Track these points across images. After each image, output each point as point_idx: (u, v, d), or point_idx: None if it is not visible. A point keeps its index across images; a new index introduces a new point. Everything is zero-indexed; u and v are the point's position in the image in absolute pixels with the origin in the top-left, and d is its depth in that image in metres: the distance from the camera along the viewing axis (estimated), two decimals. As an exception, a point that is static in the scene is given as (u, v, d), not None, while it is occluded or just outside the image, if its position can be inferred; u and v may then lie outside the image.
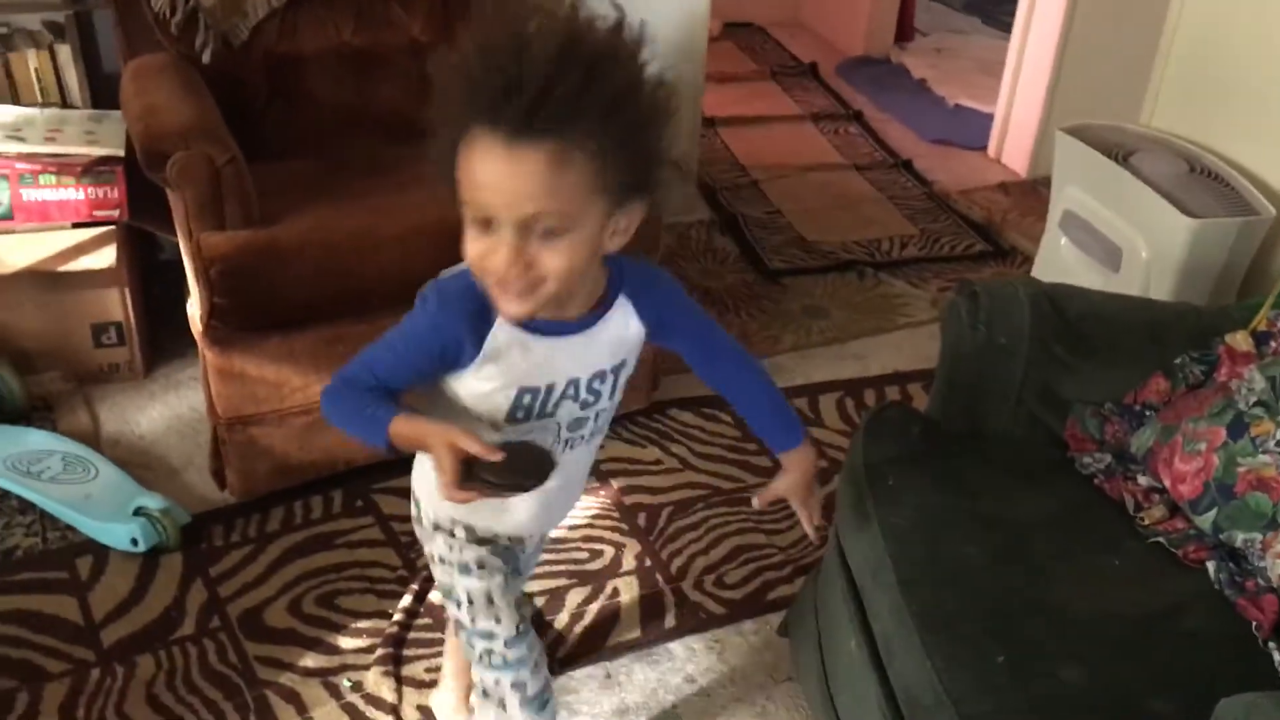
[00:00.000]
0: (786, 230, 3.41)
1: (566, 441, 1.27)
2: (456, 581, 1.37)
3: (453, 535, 1.36)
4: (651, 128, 1.06)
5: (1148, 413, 1.59)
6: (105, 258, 2.34)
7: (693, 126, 3.36)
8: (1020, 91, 3.80)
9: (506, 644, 1.37)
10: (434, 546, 1.39)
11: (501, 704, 1.39)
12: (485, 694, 1.40)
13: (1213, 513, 1.42)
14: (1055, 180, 2.38)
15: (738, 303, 3.01)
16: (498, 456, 1.09)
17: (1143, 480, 1.54)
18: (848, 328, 2.93)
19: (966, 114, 4.29)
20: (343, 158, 2.40)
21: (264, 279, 2.02)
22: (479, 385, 1.19)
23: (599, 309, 1.20)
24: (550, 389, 1.21)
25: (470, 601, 1.37)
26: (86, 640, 1.89)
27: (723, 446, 2.45)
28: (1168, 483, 1.50)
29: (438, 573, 1.41)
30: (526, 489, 1.12)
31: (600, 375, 1.23)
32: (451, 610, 1.41)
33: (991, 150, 3.98)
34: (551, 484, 1.15)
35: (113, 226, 2.38)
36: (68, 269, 2.33)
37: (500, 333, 1.16)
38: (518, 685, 1.38)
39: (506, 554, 1.39)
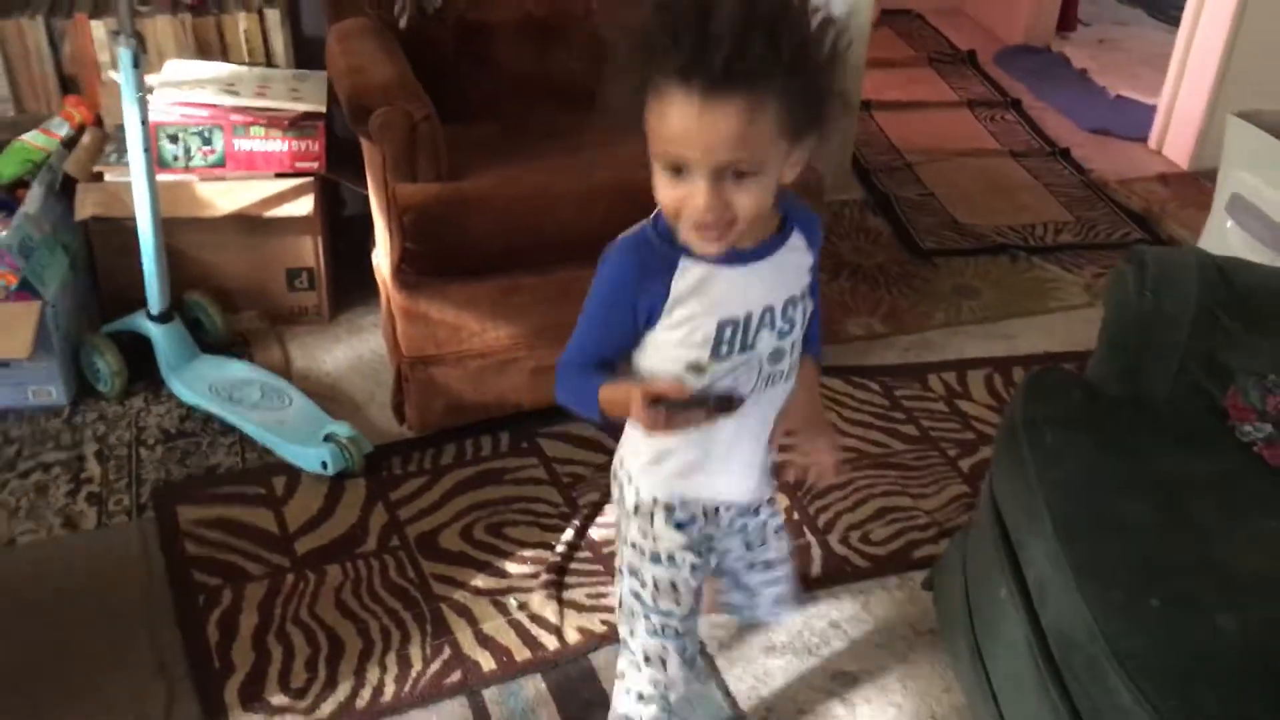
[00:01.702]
0: (940, 212, 3.44)
1: (768, 377, 1.30)
2: (645, 567, 1.43)
3: (651, 522, 1.40)
4: (827, 71, 1.11)
5: (1313, 386, 1.60)
6: (303, 206, 2.53)
7: (851, 110, 3.41)
8: (1186, 82, 3.74)
9: (681, 620, 1.45)
10: (630, 530, 1.43)
11: (662, 662, 1.48)
12: (646, 658, 1.48)
13: (1375, 480, 1.44)
14: (1224, 164, 2.38)
15: (889, 280, 3.06)
16: (684, 393, 1.18)
17: (1305, 450, 1.56)
18: (999, 308, 2.96)
19: (1127, 105, 4.23)
20: (523, 121, 2.55)
21: (451, 229, 2.17)
22: (676, 333, 1.23)
23: (778, 237, 1.26)
24: (749, 317, 1.24)
25: (656, 587, 1.43)
26: (282, 549, 2.07)
27: (870, 413, 2.51)
28: (1330, 452, 1.52)
29: (628, 555, 1.45)
30: (721, 408, 1.19)
31: (792, 301, 1.28)
32: (630, 586, 1.46)
33: (1153, 141, 3.93)
34: (750, 425, 1.28)
35: (311, 178, 2.56)
36: (270, 215, 2.52)
37: (688, 273, 1.21)
38: (680, 650, 1.47)
39: (702, 542, 1.43)
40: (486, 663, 1.88)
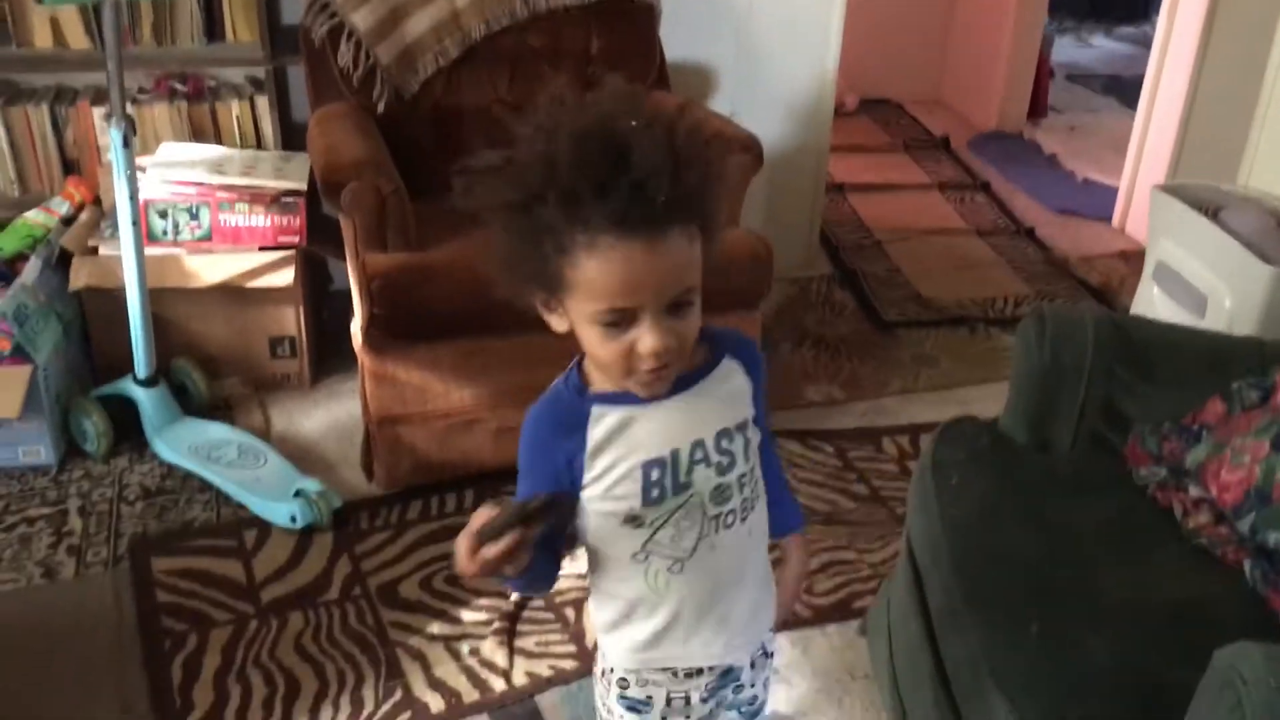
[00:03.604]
0: (904, 286, 3.58)
1: (716, 519, 1.18)
2: None
3: (608, 691, 1.30)
4: (719, 184, 1.10)
5: (1204, 432, 1.71)
6: (284, 277, 2.69)
7: (817, 189, 3.57)
8: (1145, 163, 3.90)
9: None
10: (596, 692, 1.34)
11: None
12: None
13: (1251, 516, 1.54)
14: (1150, 235, 2.51)
15: (850, 349, 3.18)
16: (488, 510, 1.06)
17: (1193, 491, 1.65)
18: (955, 376, 3.07)
19: (1095, 187, 4.39)
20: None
21: (416, 294, 2.31)
22: (602, 483, 1.14)
23: (703, 367, 1.17)
24: (676, 454, 1.14)
25: None
26: (248, 597, 2.17)
27: (823, 473, 2.61)
28: (1214, 492, 1.62)
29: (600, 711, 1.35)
30: (541, 513, 1.05)
31: (725, 433, 1.17)
32: None
33: (1115, 221, 4.07)
34: (723, 575, 1.18)
35: (293, 251, 2.72)
36: (253, 285, 2.68)
37: (603, 420, 1.13)
38: None
39: (680, 709, 1.28)
40: (435, 704, 1.96)
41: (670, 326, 1.04)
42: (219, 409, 2.73)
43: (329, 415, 2.77)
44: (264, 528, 2.35)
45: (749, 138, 2.61)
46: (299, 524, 2.32)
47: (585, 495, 1.15)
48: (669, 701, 1.27)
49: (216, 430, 2.59)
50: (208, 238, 2.67)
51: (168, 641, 2.05)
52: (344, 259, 2.62)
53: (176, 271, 2.65)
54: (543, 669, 2.04)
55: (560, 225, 1.01)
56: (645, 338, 1.04)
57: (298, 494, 2.35)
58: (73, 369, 2.63)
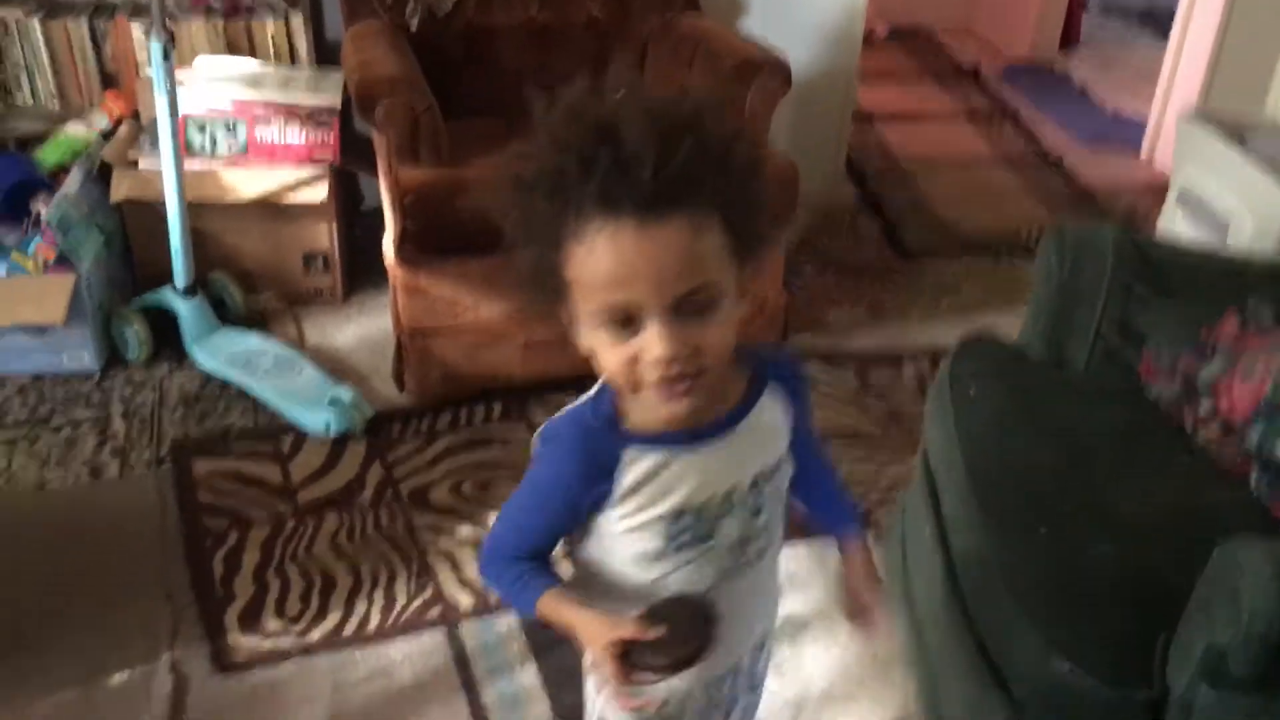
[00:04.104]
0: (929, 215, 3.60)
1: (731, 570, 1.10)
2: None
3: (601, 699, 1.22)
4: (755, 181, 0.98)
5: (1218, 348, 1.74)
6: (318, 194, 2.74)
7: (844, 115, 3.58)
8: (1174, 94, 3.88)
9: None
10: (586, 695, 1.27)
11: None
12: None
13: (1260, 427, 1.58)
14: (1175, 161, 2.53)
15: (873, 276, 3.22)
16: (656, 633, 0.97)
17: (1205, 405, 1.70)
18: (977, 303, 3.11)
19: (1124, 119, 4.37)
20: (524, 117, 2.73)
21: (447, 209, 2.36)
22: (623, 524, 1.05)
23: (743, 405, 1.07)
24: (709, 502, 1.05)
25: None
26: (285, 498, 2.26)
27: (844, 393, 2.67)
28: (1225, 406, 1.66)
29: None
30: (698, 659, 0.98)
31: (763, 474, 1.09)
32: None
33: (1144, 153, 4.06)
34: (724, 622, 1.03)
35: (326, 168, 2.77)
36: (287, 202, 2.73)
37: (635, 465, 1.03)
38: None
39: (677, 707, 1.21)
40: (465, 601, 2.05)
41: (681, 331, 0.93)
42: (255, 322, 2.80)
43: (361, 330, 2.84)
44: (300, 434, 2.43)
45: (777, 60, 2.62)
46: (334, 431, 2.40)
47: (600, 528, 1.07)
48: (665, 703, 1.19)
49: (253, 341, 2.66)
50: (244, 153, 2.72)
51: (209, 538, 2.14)
52: (376, 176, 2.68)
53: (214, 186, 2.70)
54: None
55: (551, 214, 0.93)
56: (650, 344, 0.93)
57: (332, 403, 2.42)
58: (114, 279, 2.71)
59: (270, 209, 2.76)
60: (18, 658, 1.88)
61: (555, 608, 1.03)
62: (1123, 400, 1.77)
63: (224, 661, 1.90)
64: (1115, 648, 1.33)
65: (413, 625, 1.99)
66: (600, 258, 0.91)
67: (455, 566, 2.12)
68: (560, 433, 1.06)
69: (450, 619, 2.01)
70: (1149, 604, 1.36)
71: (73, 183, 2.63)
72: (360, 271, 2.99)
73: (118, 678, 1.85)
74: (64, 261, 2.50)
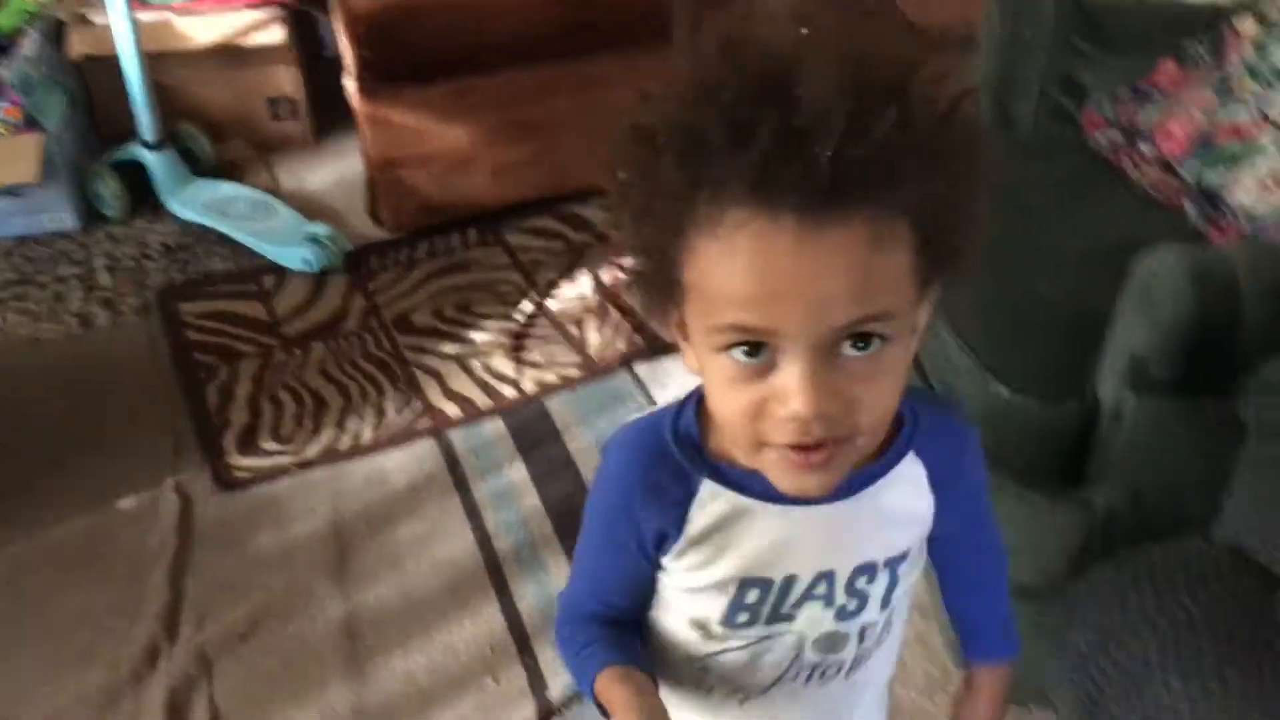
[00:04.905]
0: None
1: (811, 670, 0.86)
2: None
3: None
4: (968, 178, 0.68)
5: (1156, 93, 1.77)
6: (276, 35, 2.74)
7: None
8: None
9: None
10: None
11: None
12: None
13: (1194, 161, 1.62)
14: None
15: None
16: None
17: (1144, 148, 1.73)
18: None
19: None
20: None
21: (402, 34, 2.36)
22: (681, 575, 0.83)
23: (874, 467, 0.79)
24: (789, 584, 0.81)
25: None
26: (271, 332, 2.33)
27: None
28: (1163, 146, 1.69)
29: None
30: None
31: (868, 569, 0.82)
32: None
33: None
34: None
35: (282, 9, 2.76)
36: (245, 45, 2.73)
37: (711, 503, 0.79)
38: None
39: None
40: (452, 410, 2.13)
41: (832, 378, 0.65)
42: (226, 171, 2.82)
43: (334, 171, 2.86)
44: (281, 272, 2.48)
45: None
46: (314, 266, 2.45)
47: (659, 573, 0.85)
48: None
49: (226, 188, 2.69)
50: (196, -1, 2.71)
51: (201, 372, 2.22)
52: (329, 14, 2.67)
53: (169, 35, 2.70)
54: (550, 377, 2.20)
55: (678, 189, 0.65)
56: (787, 388, 0.65)
57: (310, 239, 2.47)
58: (83, 138, 2.72)
59: (230, 55, 2.76)
60: (31, 495, 1.98)
61: (609, 689, 0.80)
62: (1067, 152, 1.80)
63: (226, 480, 1.99)
64: (1050, 369, 1.40)
65: (404, 436, 2.08)
66: (739, 263, 0.64)
67: (441, 380, 2.20)
68: (630, 441, 0.83)
69: (440, 426, 2.10)
70: (1083, 329, 1.42)
71: (30, 44, 2.63)
72: (330, 118, 2.99)
73: (126, 502, 1.96)
74: (32, 124, 2.52)
